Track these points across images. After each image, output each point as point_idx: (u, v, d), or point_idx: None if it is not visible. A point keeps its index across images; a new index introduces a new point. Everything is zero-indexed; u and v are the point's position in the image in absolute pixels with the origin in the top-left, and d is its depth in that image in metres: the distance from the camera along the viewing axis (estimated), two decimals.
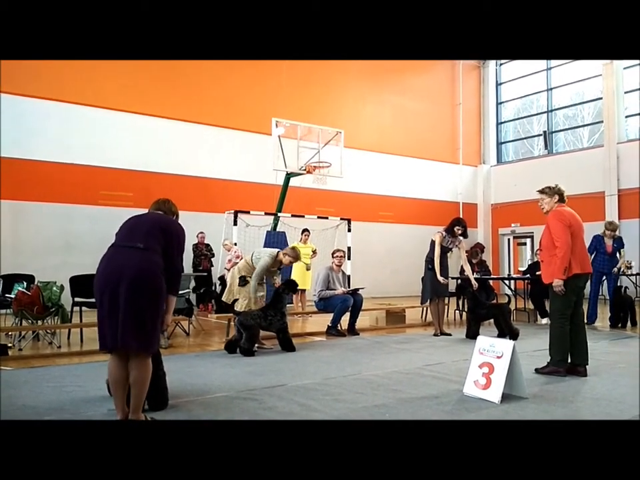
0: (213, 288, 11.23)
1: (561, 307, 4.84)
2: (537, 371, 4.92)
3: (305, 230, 10.19)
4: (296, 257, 6.43)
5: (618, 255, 8.48)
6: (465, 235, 7.44)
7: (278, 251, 6.40)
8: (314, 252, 9.82)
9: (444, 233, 7.38)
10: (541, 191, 5.09)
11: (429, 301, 7.59)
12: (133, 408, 3.23)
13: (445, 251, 7.40)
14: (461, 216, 12.03)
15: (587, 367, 4.77)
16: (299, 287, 9.96)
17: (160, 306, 3.22)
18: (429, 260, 7.42)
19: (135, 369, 3.18)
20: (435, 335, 7.46)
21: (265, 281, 6.46)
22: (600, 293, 8.70)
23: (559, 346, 4.81)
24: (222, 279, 10.30)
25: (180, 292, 7.67)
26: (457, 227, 7.35)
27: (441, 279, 7.26)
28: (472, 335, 6.75)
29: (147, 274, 3.14)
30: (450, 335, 7.43)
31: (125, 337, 3.06)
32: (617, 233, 8.52)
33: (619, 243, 8.49)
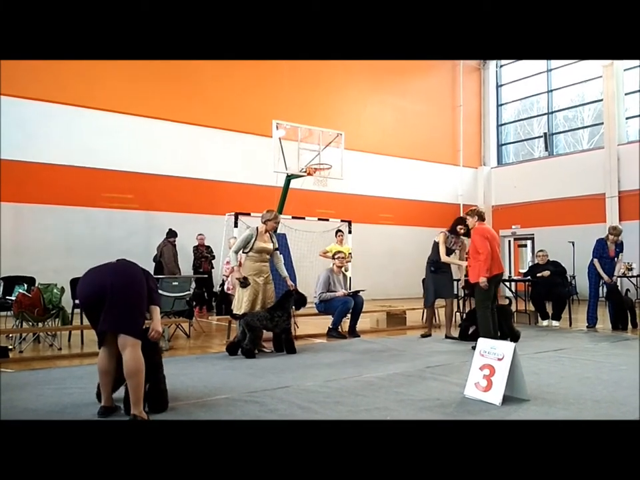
0: (215, 290, 11.24)
1: (484, 298, 6.36)
2: (474, 347, 5.77)
3: (339, 231, 10.06)
4: (274, 217, 6.28)
5: (616, 258, 8.49)
6: (468, 234, 7.43)
7: (258, 226, 6.31)
8: (349, 254, 9.44)
9: (447, 233, 7.37)
10: (468, 214, 6.72)
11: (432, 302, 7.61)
12: (133, 402, 3.32)
13: (448, 252, 7.36)
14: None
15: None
16: None
17: (141, 296, 3.52)
18: (432, 262, 7.41)
19: (127, 360, 3.35)
20: (424, 335, 7.45)
21: (270, 273, 6.35)
22: (600, 296, 8.68)
23: (485, 327, 6.24)
24: (222, 284, 10.25)
25: (180, 294, 7.75)
26: (460, 226, 7.32)
27: (461, 262, 7.51)
28: (471, 337, 6.77)
29: (129, 269, 3.58)
30: (457, 338, 7.29)
31: (112, 321, 3.37)
32: (620, 236, 8.51)
33: (620, 247, 8.49)
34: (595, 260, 8.40)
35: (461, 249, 7.54)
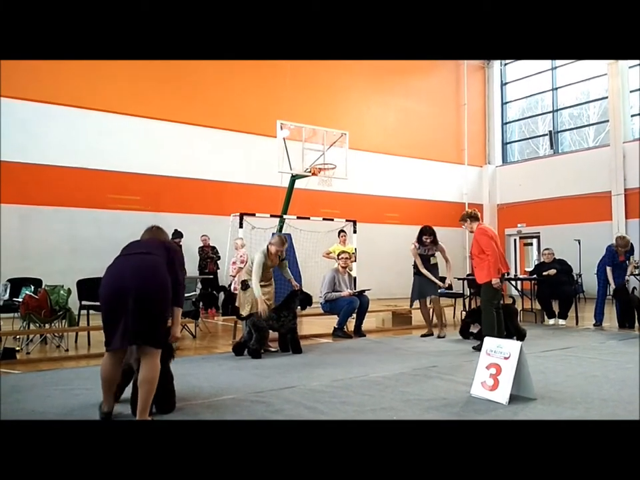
0: (222, 290, 11.24)
1: (492, 298, 6.24)
2: (474, 348, 6.14)
3: (342, 231, 10.08)
4: (278, 242, 6.23)
5: (627, 261, 8.51)
6: (434, 242, 7.51)
7: (267, 245, 6.32)
8: (352, 254, 9.40)
9: (416, 244, 7.51)
10: (463, 219, 6.51)
11: (419, 302, 7.71)
12: (140, 409, 3.27)
13: (426, 258, 7.53)
14: None
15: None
16: None
17: (167, 302, 3.34)
18: (414, 265, 7.61)
19: (144, 367, 3.27)
20: (424, 335, 7.51)
21: (272, 277, 6.40)
22: (608, 294, 8.66)
23: (491, 325, 6.11)
24: (229, 287, 10.25)
25: (186, 295, 7.75)
26: (425, 237, 7.44)
27: (436, 280, 7.46)
28: (476, 336, 6.78)
29: (152, 272, 3.31)
30: (443, 337, 7.38)
31: (136, 333, 3.19)
32: (628, 246, 8.49)
33: (630, 251, 8.53)
34: (608, 268, 8.43)
35: (439, 250, 7.62)
